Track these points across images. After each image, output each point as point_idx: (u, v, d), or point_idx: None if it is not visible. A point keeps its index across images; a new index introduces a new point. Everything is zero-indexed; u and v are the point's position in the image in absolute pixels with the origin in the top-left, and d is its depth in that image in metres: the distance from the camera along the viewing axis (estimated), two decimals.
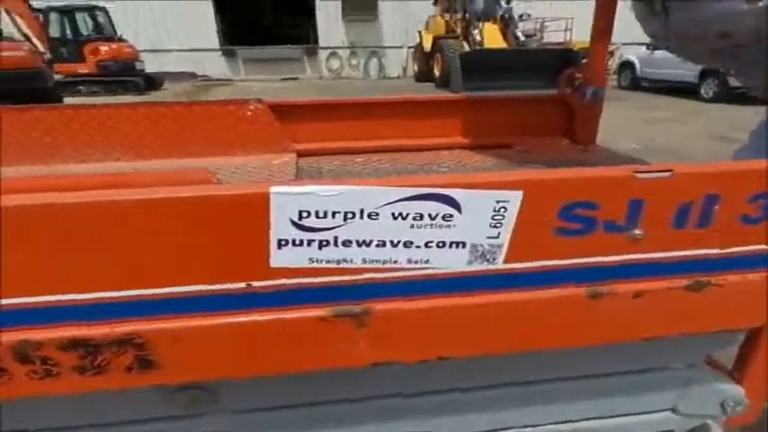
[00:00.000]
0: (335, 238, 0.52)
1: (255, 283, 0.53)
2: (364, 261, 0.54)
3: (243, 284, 0.53)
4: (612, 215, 0.56)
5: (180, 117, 1.28)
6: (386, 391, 0.75)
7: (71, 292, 0.51)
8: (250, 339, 0.56)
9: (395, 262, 0.55)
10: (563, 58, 8.51)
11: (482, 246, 0.55)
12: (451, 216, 0.53)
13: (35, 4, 10.45)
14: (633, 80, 12.72)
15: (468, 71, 9.58)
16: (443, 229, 0.53)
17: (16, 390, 0.53)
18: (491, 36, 11.40)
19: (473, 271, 0.57)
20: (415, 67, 14.77)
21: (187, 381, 0.58)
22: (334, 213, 0.51)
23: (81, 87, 11.65)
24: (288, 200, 0.50)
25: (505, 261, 0.56)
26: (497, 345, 0.63)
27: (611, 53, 14.49)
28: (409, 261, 0.55)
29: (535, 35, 12.21)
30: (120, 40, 12.37)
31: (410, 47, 15.79)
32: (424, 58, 13.34)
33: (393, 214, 0.52)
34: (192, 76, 16.35)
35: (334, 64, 17.06)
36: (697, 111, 9.21)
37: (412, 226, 0.53)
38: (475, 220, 0.53)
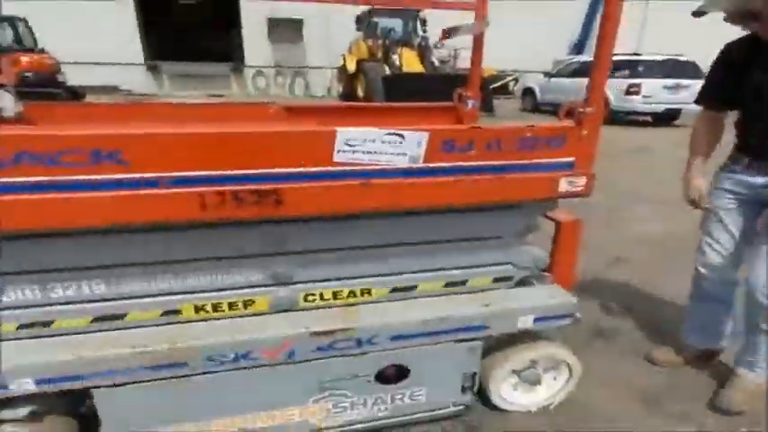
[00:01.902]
0: (355, 150, 1.34)
1: (327, 168, 1.34)
2: (369, 160, 1.37)
3: (323, 168, 1.33)
4: (477, 153, 1.43)
5: (219, 115, 2.04)
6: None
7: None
8: (325, 192, 1.34)
9: (379, 161, 1.38)
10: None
11: (415, 153, 1.39)
12: (402, 141, 1.37)
13: None
14: (534, 104, 14.35)
15: (390, 92, 10.71)
16: (398, 146, 1.37)
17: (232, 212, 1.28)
18: (409, 61, 12.65)
19: (408, 167, 1.41)
20: (340, 88, 15.66)
21: (297, 214, 1.36)
22: (356, 143, 1.33)
23: None
24: (342, 134, 1.32)
25: (425, 160, 1.41)
26: (414, 203, 1.47)
27: (516, 80, 16.34)
28: (387, 161, 1.38)
29: (449, 61, 13.60)
30: (42, 51, 12.17)
31: (334, 68, 16.71)
32: (347, 79, 14.27)
33: (381, 141, 1.35)
34: (114, 89, 16.14)
35: (261, 82, 17.56)
36: None
37: (386, 143, 1.36)
38: (411, 144, 1.38)
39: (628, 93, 10.63)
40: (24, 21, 12.14)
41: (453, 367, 1.70)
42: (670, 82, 10.54)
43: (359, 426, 1.69)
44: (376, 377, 1.61)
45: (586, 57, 13.60)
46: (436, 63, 12.97)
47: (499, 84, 15.51)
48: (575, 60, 13.71)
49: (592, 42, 13.84)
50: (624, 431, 1.83)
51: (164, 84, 17.17)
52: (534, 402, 1.89)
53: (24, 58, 11.65)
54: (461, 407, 1.79)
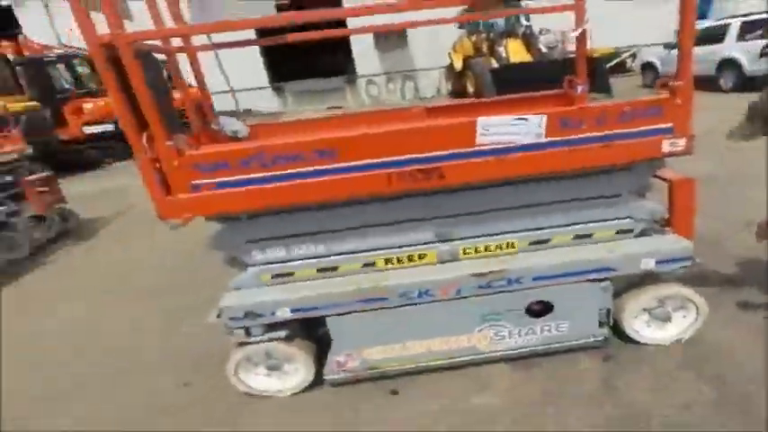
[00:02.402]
0: (491, 134, 1.79)
1: (473, 148, 1.81)
2: (502, 140, 1.81)
3: (470, 149, 1.81)
4: (587, 127, 1.81)
5: (377, 120, 2.60)
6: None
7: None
8: (473, 166, 1.81)
9: (510, 140, 1.81)
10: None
11: (537, 132, 1.80)
12: (526, 124, 1.79)
13: None
14: (655, 78, 13.50)
15: (500, 84, 10.87)
16: (524, 127, 1.79)
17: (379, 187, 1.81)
18: (516, 51, 12.66)
19: (533, 142, 1.82)
20: (449, 86, 16.06)
21: (454, 184, 1.85)
22: (492, 128, 1.78)
23: None
24: (481, 123, 1.78)
25: (546, 136, 1.81)
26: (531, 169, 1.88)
27: (633, 55, 15.47)
28: (517, 139, 1.81)
29: (557, 46, 13.33)
30: (189, 86, 14.24)
31: (441, 68, 17.17)
32: (456, 76, 14.62)
33: (510, 125, 1.79)
34: (248, 112, 18.22)
35: (373, 90, 18.59)
36: (717, 102, 10.17)
37: (514, 125, 1.79)
38: (533, 125, 1.79)
39: (763, 55, 9.66)
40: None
41: (589, 304, 2.07)
42: None
43: (516, 351, 2.13)
44: (526, 311, 2.04)
45: (709, 22, 12.52)
46: (543, 49, 12.80)
47: (615, 62, 14.81)
48: (697, 27, 12.67)
49: (716, 5, 12.81)
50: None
51: (287, 102, 18.98)
52: (666, 337, 2.18)
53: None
54: (600, 338, 2.14)
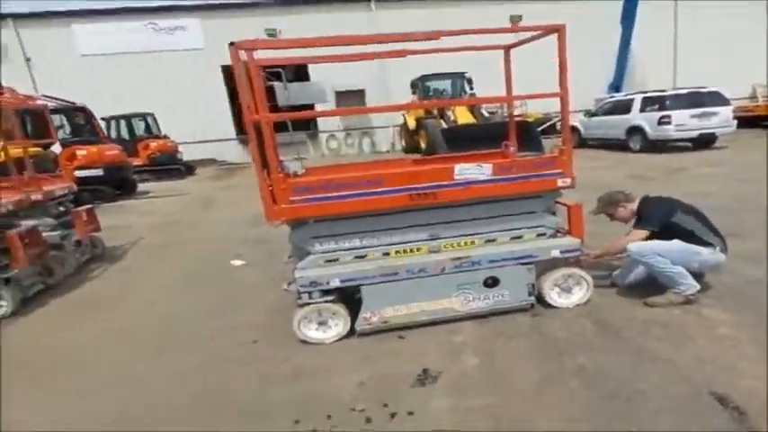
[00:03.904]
0: (462, 173, 3.06)
1: (452, 181, 3.07)
2: (468, 177, 3.08)
3: (450, 181, 3.06)
4: (515, 171, 3.13)
5: (387, 165, 3.85)
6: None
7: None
8: (452, 192, 3.06)
9: (473, 177, 3.08)
10: (520, 126, 11.55)
11: (488, 173, 3.09)
12: (482, 168, 3.08)
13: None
14: (579, 140, 15.79)
15: (449, 142, 12.53)
16: (480, 170, 3.08)
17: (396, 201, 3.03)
18: (462, 114, 14.57)
19: (486, 178, 3.10)
20: (403, 143, 17.79)
21: (442, 201, 3.08)
22: (463, 170, 3.06)
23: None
24: (457, 167, 3.05)
25: (493, 175, 3.10)
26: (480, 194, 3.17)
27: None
28: (476, 176, 3.09)
29: (497, 111, 15.42)
30: (165, 137, 15.19)
31: (395, 126, 18.97)
32: (409, 134, 16.38)
33: (474, 168, 3.08)
34: (213, 161, 19.14)
35: (333, 144, 20.09)
36: (627, 160, 12.27)
37: (475, 169, 3.08)
38: (486, 169, 3.08)
39: (660, 123, 11.97)
40: (152, 115, 15.29)
41: (522, 280, 3.32)
42: (697, 111, 11.85)
43: (477, 311, 3.32)
44: (483, 283, 3.26)
45: (620, 95, 15.11)
46: (486, 114, 14.83)
47: (546, 125, 17.10)
48: (609, 100, 15.19)
49: (627, 80, 15.79)
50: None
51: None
52: (570, 302, 3.45)
53: (153, 143, 14.67)
54: (529, 303, 3.38)
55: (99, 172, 10.00)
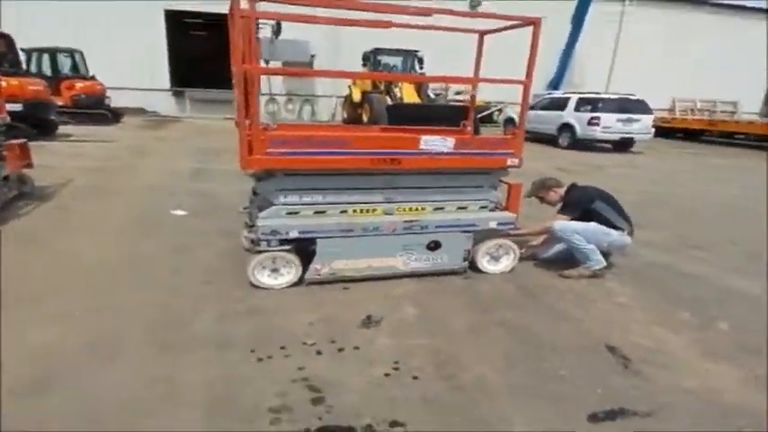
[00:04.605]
0: (428, 143, 3.38)
1: (417, 150, 3.37)
2: (433, 147, 3.40)
3: (415, 149, 3.37)
4: (473, 147, 3.48)
5: (358, 129, 4.08)
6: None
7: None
8: (416, 160, 3.36)
9: (437, 148, 3.41)
10: (461, 110, 12.10)
11: (449, 146, 3.43)
12: (446, 140, 3.41)
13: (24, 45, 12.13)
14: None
15: (392, 118, 12.86)
16: (444, 142, 3.41)
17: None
18: (408, 93, 14.87)
19: (448, 150, 3.44)
20: (344, 114, 17.85)
21: (404, 169, 3.38)
22: (429, 140, 3.38)
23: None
24: (423, 137, 3.36)
25: (454, 149, 3.45)
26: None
27: (500, 110, 18.78)
28: (440, 148, 3.41)
29: (441, 94, 15.90)
30: (93, 78, 14.18)
31: (339, 97, 18.94)
32: (352, 106, 16.45)
33: (438, 140, 3.40)
34: (142, 111, 18.16)
35: (272, 107, 19.69)
36: (555, 154, 13.18)
37: (439, 141, 3.40)
38: (449, 142, 3.42)
39: (589, 124, 13.01)
40: (80, 53, 14.19)
41: (460, 246, 3.72)
42: (623, 116, 13.03)
43: (418, 270, 3.68)
44: (426, 246, 3.62)
45: (558, 93, 16.12)
46: (431, 95, 15.24)
47: (485, 114, 17.86)
48: (548, 96, 16.17)
49: (566, 79, 16.87)
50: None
51: (186, 107, 19.24)
52: (498, 269, 3.91)
53: (79, 84, 13.68)
54: (463, 267, 3.80)
55: (18, 107, 9.20)
